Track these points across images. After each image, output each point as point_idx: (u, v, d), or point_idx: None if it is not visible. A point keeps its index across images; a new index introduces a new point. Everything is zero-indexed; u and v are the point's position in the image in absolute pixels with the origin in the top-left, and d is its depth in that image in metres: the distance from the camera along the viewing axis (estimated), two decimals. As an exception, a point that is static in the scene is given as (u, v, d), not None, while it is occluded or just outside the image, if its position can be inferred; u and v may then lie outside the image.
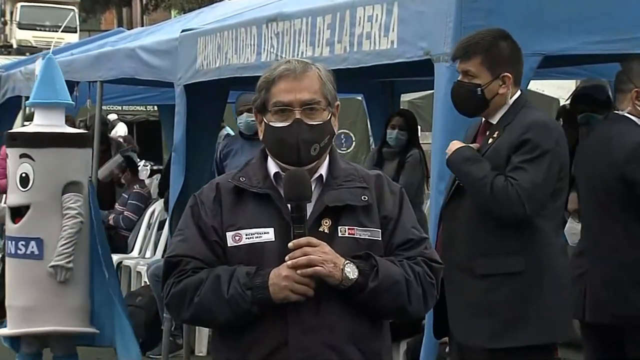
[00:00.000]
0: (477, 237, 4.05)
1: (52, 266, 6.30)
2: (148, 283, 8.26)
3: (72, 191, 6.43)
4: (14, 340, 6.61)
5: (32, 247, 6.32)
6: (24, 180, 6.35)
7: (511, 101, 4.10)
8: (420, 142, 7.84)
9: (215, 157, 7.77)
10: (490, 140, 4.07)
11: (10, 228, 6.41)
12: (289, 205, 2.93)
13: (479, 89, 4.06)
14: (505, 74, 4.06)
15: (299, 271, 2.85)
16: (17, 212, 6.41)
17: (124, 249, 9.77)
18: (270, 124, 3.00)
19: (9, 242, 6.42)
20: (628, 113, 4.66)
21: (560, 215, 4.23)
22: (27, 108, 8.94)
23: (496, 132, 4.07)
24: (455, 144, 4.11)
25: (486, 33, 4.07)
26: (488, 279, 4.05)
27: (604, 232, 4.66)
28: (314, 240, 2.88)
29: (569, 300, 4.17)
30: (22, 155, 6.36)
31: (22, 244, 6.33)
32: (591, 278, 4.66)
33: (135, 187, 10.10)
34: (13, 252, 6.36)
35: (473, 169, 4.01)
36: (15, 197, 6.40)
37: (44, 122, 6.48)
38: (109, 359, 7.28)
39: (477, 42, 4.05)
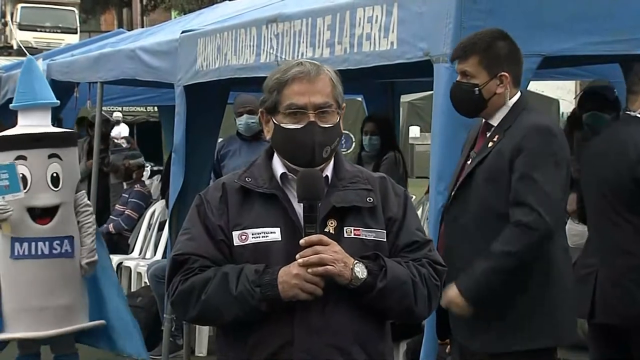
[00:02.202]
0: (479, 242, 4.03)
1: (88, 263, 6.45)
2: (148, 284, 8.26)
3: (81, 189, 6.65)
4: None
5: (66, 246, 6.42)
6: (56, 180, 6.42)
7: (511, 103, 4.09)
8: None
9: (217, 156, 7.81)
10: (490, 144, 4.06)
11: (36, 229, 6.37)
12: (299, 205, 2.94)
13: (476, 88, 4.06)
14: (503, 73, 4.06)
15: (310, 270, 2.86)
16: (39, 213, 6.41)
17: (127, 250, 9.81)
18: (282, 125, 3.00)
19: (39, 243, 6.38)
20: (639, 114, 4.68)
21: (563, 217, 4.23)
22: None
23: (496, 136, 4.05)
24: (452, 298, 4.01)
25: (484, 33, 4.08)
26: None
27: (614, 233, 4.65)
28: (325, 238, 2.90)
29: (572, 303, 4.14)
30: (51, 155, 6.42)
31: (57, 244, 6.39)
32: (600, 279, 4.66)
33: (136, 186, 10.16)
34: (47, 252, 6.36)
35: (491, 279, 3.95)
36: (47, 197, 6.39)
37: (33, 123, 6.49)
38: (109, 359, 7.29)
39: (475, 42, 4.05)
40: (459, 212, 4.11)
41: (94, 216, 6.64)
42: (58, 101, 6.83)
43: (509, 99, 4.09)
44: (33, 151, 6.43)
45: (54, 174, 6.40)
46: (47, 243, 6.38)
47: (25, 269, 6.39)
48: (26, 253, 6.38)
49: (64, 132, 6.79)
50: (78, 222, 6.51)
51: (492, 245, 3.94)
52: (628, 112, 4.74)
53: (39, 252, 6.37)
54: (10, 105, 6.73)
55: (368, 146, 7.77)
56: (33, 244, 6.37)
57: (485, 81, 4.06)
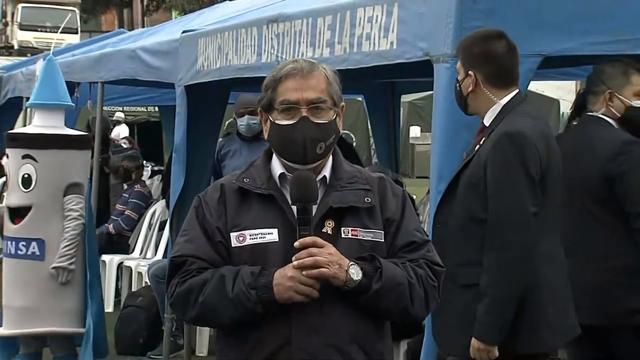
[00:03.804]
0: (459, 247, 4.04)
1: (55, 267, 6.31)
2: (149, 283, 8.27)
3: (74, 193, 6.44)
4: (9, 343, 6.61)
5: (33, 248, 6.33)
6: (27, 181, 6.36)
7: (503, 102, 4.08)
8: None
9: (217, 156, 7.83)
10: (477, 147, 4.06)
11: (10, 228, 6.41)
12: (294, 207, 2.95)
13: (457, 84, 4.13)
14: (470, 72, 4.08)
15: (304, 272, 2.87)
16: (17, 213, 6.41)
17: (127, 250, 9.82)
18: (277, 122, 3.01)
19: (8, 242, 6.43)
20: (602, 114, 4.68)
21: (541, 224, 4.19)
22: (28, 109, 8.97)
23: (483, 139, 4.05)
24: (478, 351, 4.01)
25: (477, 32, 4.11)
26: (470, 289, 4.02)
27: (589, 236, 4.61)
28: (319, 240, 2.90)
29: (558, 308, 4.09)
30: (24, 156, 6.37)
31: (22, 245, 6.34)
32: (577, 281, 4.63)
33: (136, 186, 10.17)
34: (13, 252, 6.37)
35: (491, 315, 3.95)
36: (16, 197, 6.40)
37: (43, 123, 6.50)
38: (109, 359, 7.29)
39: (461, 40, 4.11)
40: (445, 216, 4.12)
41: (77, 222, 6.37)
42: (73, 104, 6.83)
43: (500, 99, 4.09)
44: (10, 150, 6.47)
45: (25, 175, 6.35)
46: (13, 243, 6.38)
47: (4, 267, 6.47)
48: (5, 251, 6.46)
49: (41, 134, 6.49)
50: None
51: (480, 282, 3.95)
52: (591, 114, 4.73)
53: (7, 252, 6.41)
54: (27, 103, 6.75)
55: None
56: (6, 242, 6.44)
57: (462, 78, 4.11)
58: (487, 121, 4.10)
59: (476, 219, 4.01)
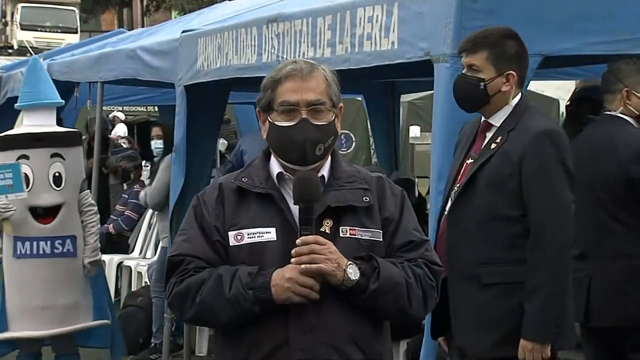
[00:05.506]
0: (481, 245, 4.00)
1: (90, 262, 6.48)
2: (148, 283, 8.27)
3: (85, 188, 6.69)
4: (8, 344, 6.63)
5: (68, 245, 6.45)
6: (58, 180, 6.46)
7: (513, 103, 4.07)
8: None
9: (235, 152, 8.05)
10: (493, 146, 4.03)
11: (39, 228, 6.40)
12: (294, 206, 2.95)
13: (482, 83, 4.03)
14: (510, 72, 4.03)
15: (303, 266, 2.87)
16: (46, 212, 6.43)
17: (127, 250, 9.82)
18: (276, 123, 3.01)
19: (41, 242, 6.40)
20: (621, 113, 4.67)
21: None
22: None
23: (499, 137, 4.03)
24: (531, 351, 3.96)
25: (495, 29, 4.05)
26: (492, 288, 4.01)
27: (607, 235, 4.62)
28: (321, 238, 2.90)
29: (571, 307, 4.10)
30: (53, 155, 6.46)
31: (59, 243, 6.42)
32: (596, 282, 4.62)
33: (135, 186, 10.17)
34: (49, 251, 6.39)
35: (545, 312, 3.92)
36: (49, 196, 6.42)
37: (41, 122, 6.52)
38: (109, 360, 7.29)
39: (486, 37, 4.02)
40: (461, 215, 4.07)
41: (98, 216, 6.67)
42: (63, 101, 6.88)
43: (512, 99, 4.08)
44: (35, 150, 6.45)
45: (56, 174, 6.43)
46: (48, 242, 6.40)
47: (27, 268, 6.41)
48: (28, 252, 6.40)
49: (68, 131, 6.81)
50: (82, 222, 6.53)
51: (527, 282, 3.92)
52: (609, 112, 4.73)
53: (41, 252, 6.39)
54: (15, 104, 6.75)
55: (155, 150, 8.17)
56: (35, 243, 6.39)
57: (492, 77, 4.03)
58: (496, 121, 4.07)
59: (499, 216, 3.98)
